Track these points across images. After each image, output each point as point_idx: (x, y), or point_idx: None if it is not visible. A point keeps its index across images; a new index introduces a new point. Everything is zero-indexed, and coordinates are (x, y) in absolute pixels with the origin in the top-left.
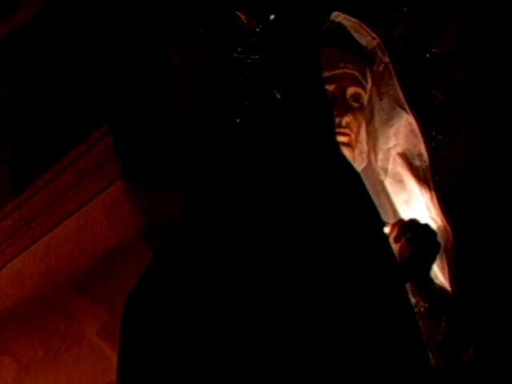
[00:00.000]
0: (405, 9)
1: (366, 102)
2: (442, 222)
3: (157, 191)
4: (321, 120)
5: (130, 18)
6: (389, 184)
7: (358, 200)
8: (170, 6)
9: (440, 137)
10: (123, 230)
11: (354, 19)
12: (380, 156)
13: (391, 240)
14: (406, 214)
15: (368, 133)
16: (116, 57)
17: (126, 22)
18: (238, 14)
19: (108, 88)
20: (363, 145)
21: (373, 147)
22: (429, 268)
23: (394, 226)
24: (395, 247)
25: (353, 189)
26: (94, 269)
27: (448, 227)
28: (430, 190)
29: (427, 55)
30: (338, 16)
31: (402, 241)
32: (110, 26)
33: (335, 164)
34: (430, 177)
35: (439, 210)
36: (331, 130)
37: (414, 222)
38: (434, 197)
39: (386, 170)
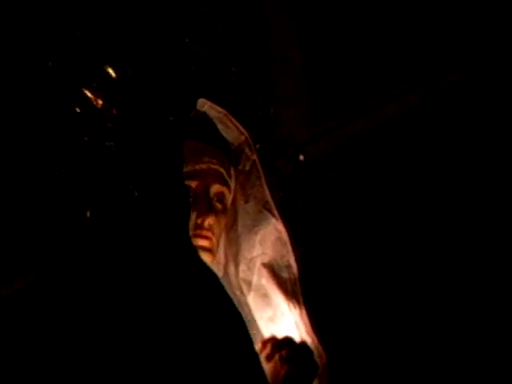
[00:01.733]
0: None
1: (229, 204)
2: (313, 341)
3: None
4: (177, 222)
5: None
6: (252, 299)
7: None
8: None
9: (302, 250)
10: None
11: (220, 109)
12: (242, 267)
13: (262, 358)
14: (270, 333)
15: (229, 240)
16: None
17: None
18: (89, 93)
19: None
20: (220, 255)
21: (234, 256)
22: None
23: (265, 343)
24: (267, 366)
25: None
26: None
27: (320, 348)
28: (299, 305)
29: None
30: (204, 105)
31: (276, 359)
32: None
33: (188, 276)
34: (300, 291)
35: (310, 328)
36: (187, 234)
37: (289, 340)
38: (304, 313)
39: (249, 283)
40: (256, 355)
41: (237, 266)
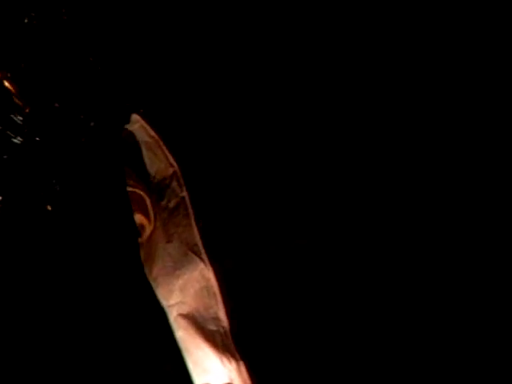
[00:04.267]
0: None
1: (145, 240)
2: None
3: None
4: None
5: None
6: None
7: None
8: None
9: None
10: None
11: (153, 133)
12: None
13: None
14: None
15: None
16: None
17: None
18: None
19: None
20: None
21: None
22: None
23: None
24: None
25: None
26: None
27: None
28: (234, 359)
29: None
30: (136, 122)
31: None
32: None
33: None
34: (233, 343)
35: (249, 382)
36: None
37: None
38: (243, 368)
39: None
40: None
41: None
